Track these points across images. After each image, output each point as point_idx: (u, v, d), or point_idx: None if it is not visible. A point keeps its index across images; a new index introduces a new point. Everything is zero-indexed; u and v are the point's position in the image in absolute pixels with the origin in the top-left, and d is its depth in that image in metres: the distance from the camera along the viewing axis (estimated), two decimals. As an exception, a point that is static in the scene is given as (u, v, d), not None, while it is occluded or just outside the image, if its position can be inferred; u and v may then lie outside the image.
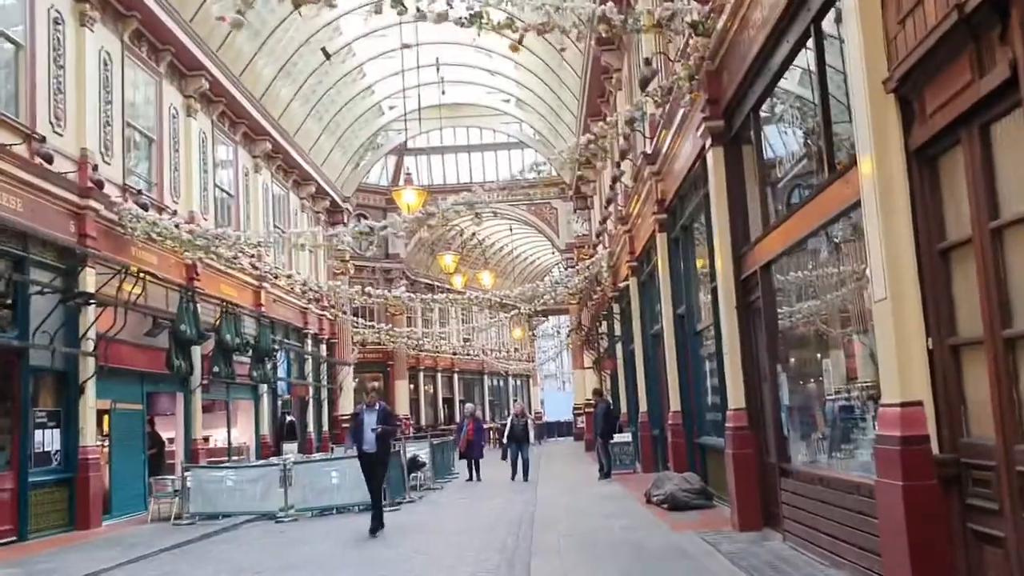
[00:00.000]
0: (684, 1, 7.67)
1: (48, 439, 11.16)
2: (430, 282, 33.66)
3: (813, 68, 6.26)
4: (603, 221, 21.19)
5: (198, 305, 14.85)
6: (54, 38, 11.74)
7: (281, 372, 19.98)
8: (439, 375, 36.74)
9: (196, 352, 15.01)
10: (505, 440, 18.21)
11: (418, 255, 33.81)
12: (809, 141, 6.93)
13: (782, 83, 7.27)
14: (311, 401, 22.63)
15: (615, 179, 16.92)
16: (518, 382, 46.40)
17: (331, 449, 20.45)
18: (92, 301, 11.77)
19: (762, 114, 7.81)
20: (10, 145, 10.53)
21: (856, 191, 5.16)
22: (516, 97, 26.00)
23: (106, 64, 13.09)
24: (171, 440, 15.10)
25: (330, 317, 23.93)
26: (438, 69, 21.62)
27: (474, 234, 34.67)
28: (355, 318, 25.92)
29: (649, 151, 12.35)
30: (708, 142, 8.55)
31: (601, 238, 21.74)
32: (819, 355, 7.05)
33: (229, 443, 17.09)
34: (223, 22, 7.84)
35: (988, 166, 4.06)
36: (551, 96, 22.94)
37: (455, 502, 13.72)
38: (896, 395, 4.68)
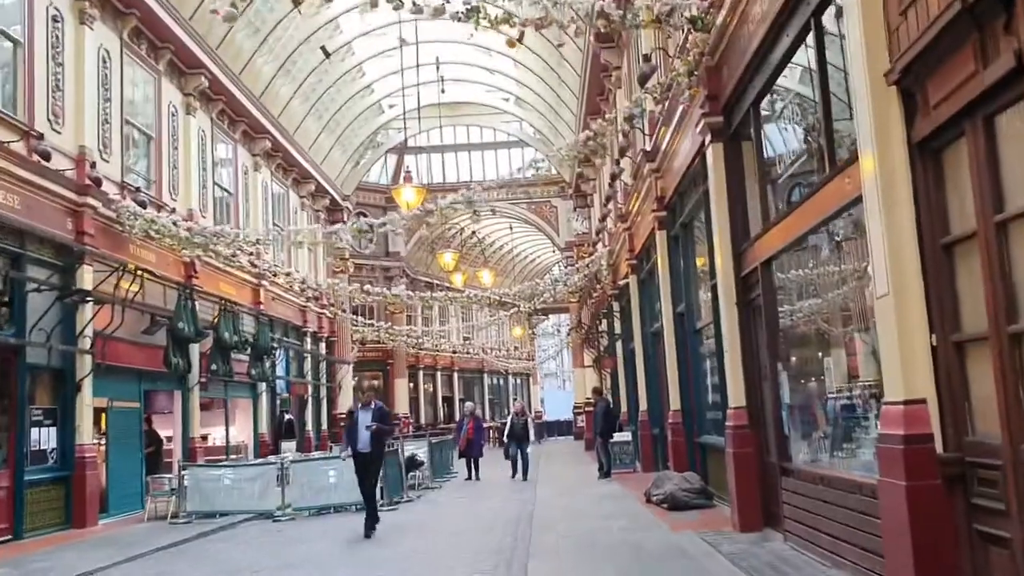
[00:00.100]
0: (683, -4, 7.61)
1: (44, 437, 11.10)
2: (430, 280, 33.61)
3: (813, 63, 6.20)
4: (603, 219, 21.13)
5: (196, 303, 14.79)
6: (53, 35, 11.69)
7: (280, 370, 19.93)
8: (439, 374, 36.70)
9: (194, 350, 14.95)
10: (505, 439, 18.14)
11: (418, 253, 33.77)
12: (809, 137, 6.87)
13: (782, 81, 7.21)
14: (310, 400, 22.58)
15: (614, 177, 16.86)
16: (518, 381, 46.34)
17: (330, 448, 20.41)
18: (89, 299, 11.71)
19: (762, 110, 7.74)
20: (8, 142, 10.47)
21: (857, 186, 5.10)
22: (516, 96, 25.93)
23: (105, 62, 13.03)
24: (169, 439, 15.04)
25: (329, 315, 23.87)
26: (438, 67, 21.57)
27: (474, 232, 34.61)
28: (355, 316, 25.87)
29: (648, 148, 12.29)
30: (707, 138, 8.48)
31: (601, 236, 21.68)
32: (820, 353, 6.99)
33: (227, 442, 17.03)
34: (217, 15, 7.78)
35: (993, 158, 3.99)
36: (551, 95, 22.88)
37: (453, 502, 13.65)
38: (899, 393, 4.61)
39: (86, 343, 11.75)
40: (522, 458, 16.97)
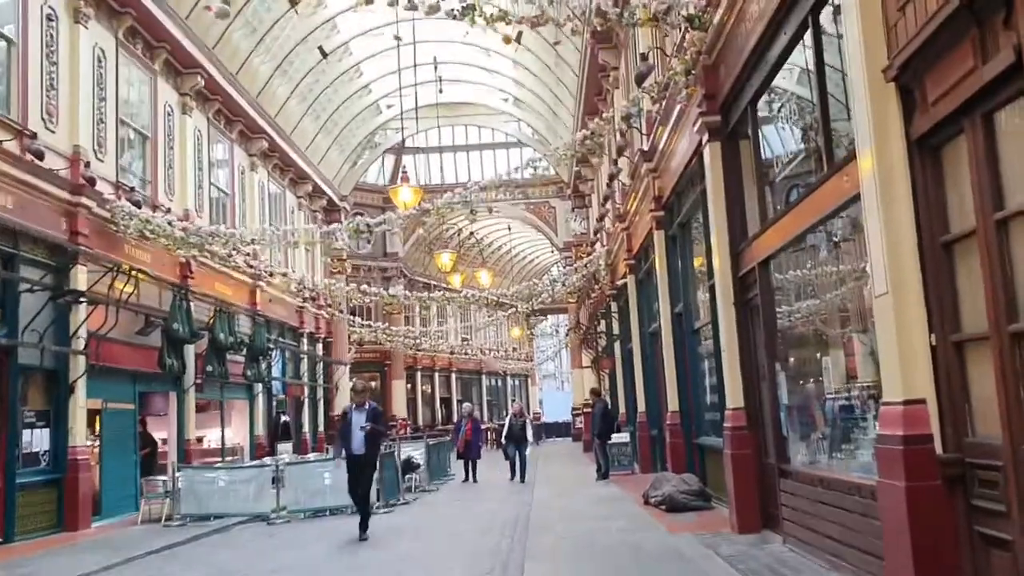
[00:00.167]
0: (680, -6, 7.56)
1: (37, 439, 11.01)
2: (428, 281, 33.56)
3: (811, 60, 6.15)
4: (601, 219, 21.09)
5: (192, 303, 14.72)
6: (47, 34, 11.62)
7: (276, 371, 19.85)
8: (437, 375, 36.64)
9: (189, 351, 14.88)
10: (504, 440, 18.07)
11: (416, 254, 33.71)
12: (807, 136, 6.81)
13: (779, 81, 7.16)
14: (306, 401, 22.50)
15: (612, 177, 16.82)
16: (516, 382, 46.29)
17: (326, 449, 20.31)
18: (83, 299, 11.64)
19: (759, 109, 7.69)
20: (1, 141, 10.40)
21: (855, 185, 5.05)
22: (514, 96, 25.90)
23: (100, 61, 12.96)
24: (164, 440, 14.95)
25: (326, 316, 23.80)
26: (436, 68, 21.51)
27: (472, 233, 34.56)
28: (352, 317, 25.79)
29: (646, 148, 12.23)
30: (705, 138, 8.43)
31: (599, 236, 21.64)
32: (818, 353, 6.93)
33: (223, 443, 16.94)
34: (209, 11, 7.72)
35: (992, 155, 3.94)
36: (549, 95, 22.85)
37: (450, 504, 13.58)
38: (898, 393, 4.56)
39: (80, 344, 11.68)
40: (520, 459, 16.90)
